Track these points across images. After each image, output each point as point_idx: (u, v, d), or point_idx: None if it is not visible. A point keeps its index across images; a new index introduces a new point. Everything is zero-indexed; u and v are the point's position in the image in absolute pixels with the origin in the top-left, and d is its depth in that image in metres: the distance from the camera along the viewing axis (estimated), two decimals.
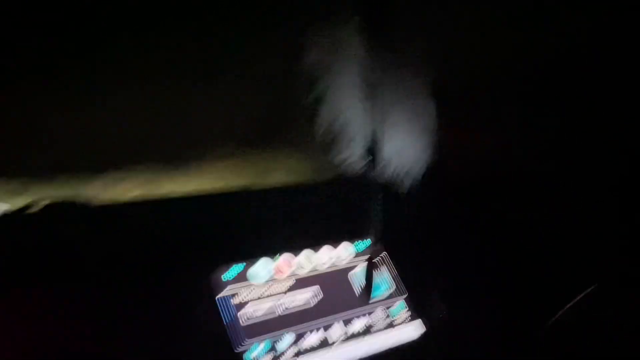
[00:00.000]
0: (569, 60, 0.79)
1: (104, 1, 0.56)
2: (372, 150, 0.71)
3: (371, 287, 0.70)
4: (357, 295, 0.75)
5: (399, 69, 0.74)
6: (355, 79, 0.70)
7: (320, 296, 0.72)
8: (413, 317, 0.76)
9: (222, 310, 0.66)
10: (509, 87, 0.90)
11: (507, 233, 0.84)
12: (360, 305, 0.74)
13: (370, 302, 0.73)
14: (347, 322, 0.71)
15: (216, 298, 0.67)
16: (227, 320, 0.65)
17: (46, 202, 0.75)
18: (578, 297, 0.74)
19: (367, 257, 0.72)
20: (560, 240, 0.82)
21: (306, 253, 0.76)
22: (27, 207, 0.74)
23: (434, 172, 0.81)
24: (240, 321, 0.66)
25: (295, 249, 0.76)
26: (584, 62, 0.78)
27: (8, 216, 0.73)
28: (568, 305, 0.75)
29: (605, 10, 0.73)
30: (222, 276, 0.69)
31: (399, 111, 0.77)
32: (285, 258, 0.74)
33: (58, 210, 0.74)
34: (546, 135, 0.83)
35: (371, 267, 0.69)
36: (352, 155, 0.80)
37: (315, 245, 0.78)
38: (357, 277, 0.76)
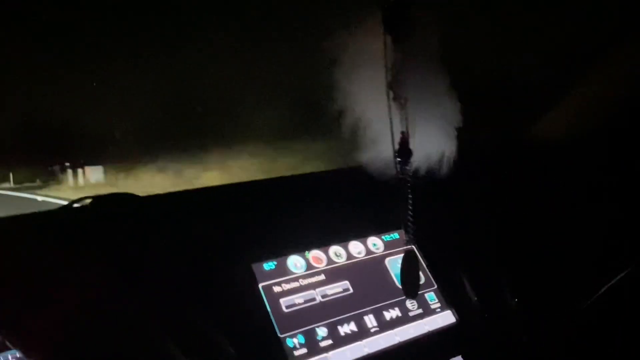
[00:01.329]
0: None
1: None
2: (399, 147, 0.72)
3: (418, 280, 0.71)
4: (393, 284, 0.77)
5: (424, 66, 0.76)
6: (380, 78, 0.71)
7: (357, 284, 0.75)
8: (443, 308, 0.78)
9: (265, 298, 0.68)
10: (534, 79, 0.92)
11: (537, 222, 0.86)
12: (392, 293, 0.76)
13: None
14: (381, 311, 0.74)
15: (259, 286, 0.69)
16: (270, 308, 0.68)
17: (94, 195, 0.77)
18: (612, 281, 0.76)
19: (405, 250, 0.74)
20: (592, 226, 0.84)
21: (335, 248, 0.78)
22: (76, 201, 0.77)
23: (461, 167, 0.83)
24: (283, 308, 0.69)
25: (325, 244, 0.78)
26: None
27: (58, 210, 0.75)
28: (602, 290, 0.77)
29: None
30: (263, 265, 0.71)
31: (425, 108, 0.79)
32: (316, 252, 0.77)
33: (105, 203, 0.77)
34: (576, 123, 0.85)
35: (414, 261, 0.71)
36: (379, 153, 0.82)
37: (344, 239, 0.80)
38: (394, 268, 0.78)
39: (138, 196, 0.81)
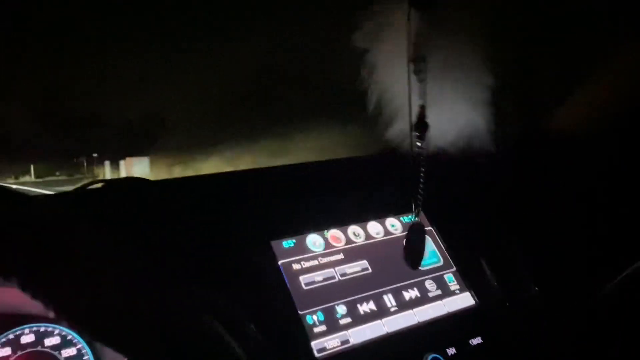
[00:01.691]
0: None
1: None
2: (416, 121, 0.72)
3: (422, 253, 0.71)
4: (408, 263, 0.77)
5: (446, 42, 0.75)
6: (402, 54, 0.70)
7: (376, 264, 0.75)
8: (462, 290, 0.77)
9: (284, 275, 0.68)
10: (560, 58, 0.90)
11: (556, 204, 0.85)
12: (410, 273, 0.76)
13: (421, 269, 0.75)
14: (400, 291, 0.73)
15: (279, 263, 0.69)
16: (290, 285, 0.68)
17: (105, 179, 0.77)
18: (632, 267, 0.75)
19: (414, 225, 0.74)
20: (614, 216, 0.82)
21: (354, 227, 0.78)
22: (89, 184, 0.77)
23: (481, 146, 0.83)
24: (302, 286, 0.68)
25: (344, 224, 0.78)
26: None
27: (71, 192, 0.75)
28: (621, 276, 0.75)
29: None
30: (283, 243, 0.71)
31: (446, 85, 0.78)
32: (335, 232, 0.76)
33: (118, 186, 0.77)
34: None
35: (420, 233, 0.70)
36: (398, 130, 0.81)
37: (363, 220, 0.80)
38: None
39: (151, 180, 0.81)
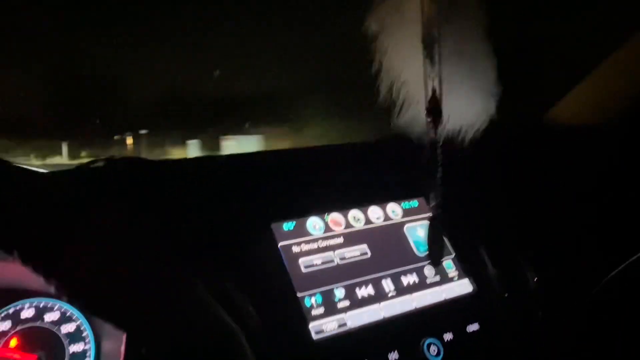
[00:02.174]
0: None
1: None
2: (429, 107, 0.70)
3: (442, 247, 0.70)
4: (411, 250, 0.77)
5: (459, 27, 0.74)
6: (414, 38, 0.70)
7: (375, 249, 0.75)
8: (461, 276, 0.78)
9: (284, 257, 0.68)
10: (570, 46, 0.90)
11: (561, 196, 0.85)
12: (409, 259, 0.76)
13: (419, 255, 0.75)
14: (399, 276, 0.73)
15: (279, 246, 0.69)
16: (289, 267, 0.68)
17: (108, 157, 0.76)
18: (629, 260, 0.75)
19: (429, 216, 0.73)
20: (615, 208, 0.82)
21: (354, 212, 0.78)
22: (92, 162, 0.76)
23: (489, 133, 0.82)
24: (301, 268, 0.69)
25: (344, 208, 0.78)
26: None
27: (73, 170, 0.75)
28: (619, 268, 0.76)
29: None
30: (283, 225, 0.71)
31: (458, 71, 0.77)
32: (335, 215, 0.76)
33: (118, 165, 0.76)
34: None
35: (438, 227, 0.70)
36: (410, 115, 0.81)
37: (363, 204, 0.80)
38: (413, 235, 0.78)
39: (152, 160, 0.81)
